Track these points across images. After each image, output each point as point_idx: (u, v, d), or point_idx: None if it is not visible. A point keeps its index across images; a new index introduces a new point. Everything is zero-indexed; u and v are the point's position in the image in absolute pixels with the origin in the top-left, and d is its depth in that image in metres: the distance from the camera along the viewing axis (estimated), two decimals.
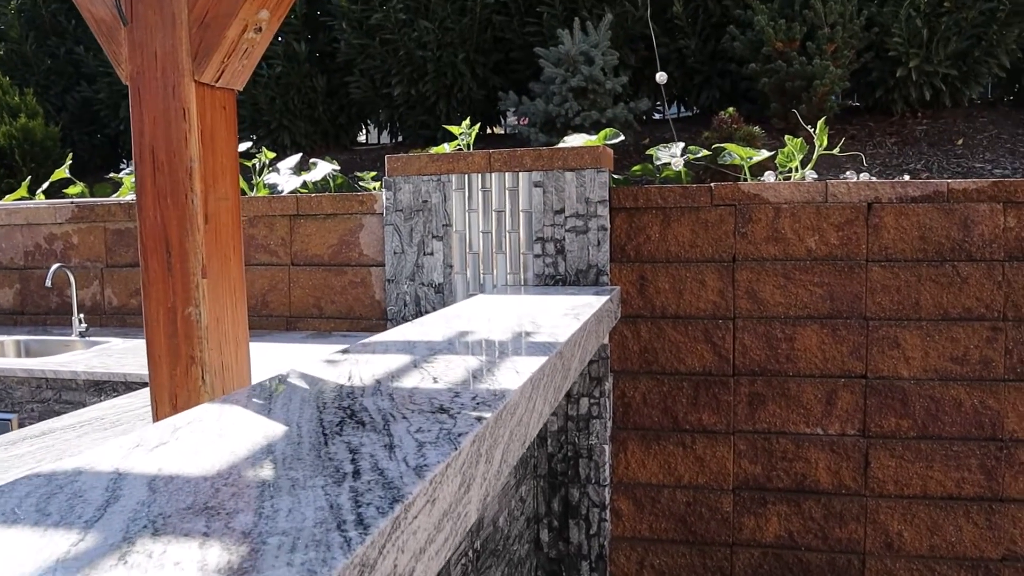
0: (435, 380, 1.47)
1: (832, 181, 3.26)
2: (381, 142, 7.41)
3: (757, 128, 4.34)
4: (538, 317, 2.32)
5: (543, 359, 1.66)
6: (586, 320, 2.26)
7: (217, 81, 1.64)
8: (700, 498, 3.44)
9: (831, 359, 3.29)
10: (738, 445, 3.39)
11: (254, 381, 1.99)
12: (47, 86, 6.86)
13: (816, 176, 3.52)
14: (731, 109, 4.47)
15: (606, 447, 3.34)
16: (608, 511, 3.40)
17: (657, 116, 6.29)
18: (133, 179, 4.50)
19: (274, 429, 1.15)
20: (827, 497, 3.33)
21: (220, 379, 1.68)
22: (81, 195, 4.86)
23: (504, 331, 2.07)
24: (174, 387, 1.65)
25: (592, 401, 3.32)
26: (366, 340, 1.96)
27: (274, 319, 3.75)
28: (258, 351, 3.12)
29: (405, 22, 5.64)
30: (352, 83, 6.02)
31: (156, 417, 1.68)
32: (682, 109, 6.49)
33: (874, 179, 3.33)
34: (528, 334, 2.01)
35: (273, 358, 2.99)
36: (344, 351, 1.81)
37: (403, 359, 1.70)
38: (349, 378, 1.51)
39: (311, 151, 6.27)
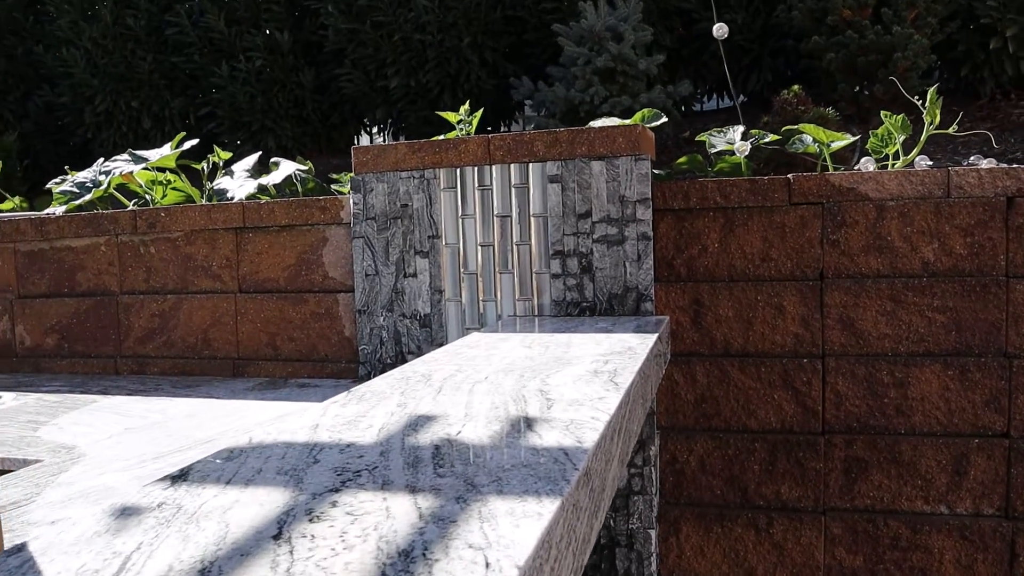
0: None
1: (956, 169, 2.38)
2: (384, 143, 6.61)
3: (831, 110, 3.46)
4: (552, 380, 1.46)
5: (551, 508, 0.81)
6: (629, 385, 1.40)
7: None
8: None
9: (959, 411, 2.40)
10: (831, 528, 2.50)
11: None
12: (4, 91, 6.11)
13: (930, 163, 2.64)
14: (796, 87, 3.60)
15: (652, 532, 2.46)
16: None
17: (696, 108, 5.43)
18: (62, 189, 3.71)
19: None
20: None
21: None
22: (13, 211, 4.09)
23: (492, 415, 1.22)
24: None
25: (633, 471, 2.45)
26: (233, 446, 1.11)
27: (218, 362, 2.91)
28: (163, 412, 2.28)
29: (399, 1, 4.82)
30: (343, 76, 5.22)
31: None
32: (723, 99, 5.62)
33: (1007, 166, 2.45)
34: (530, 424, 1.15)
35: (161, 435, 2.16)
36: (174, 478, 0.97)
37: (270, 505, 0.85)
38: None
39: (301, 156, 5.47)
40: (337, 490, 0.89)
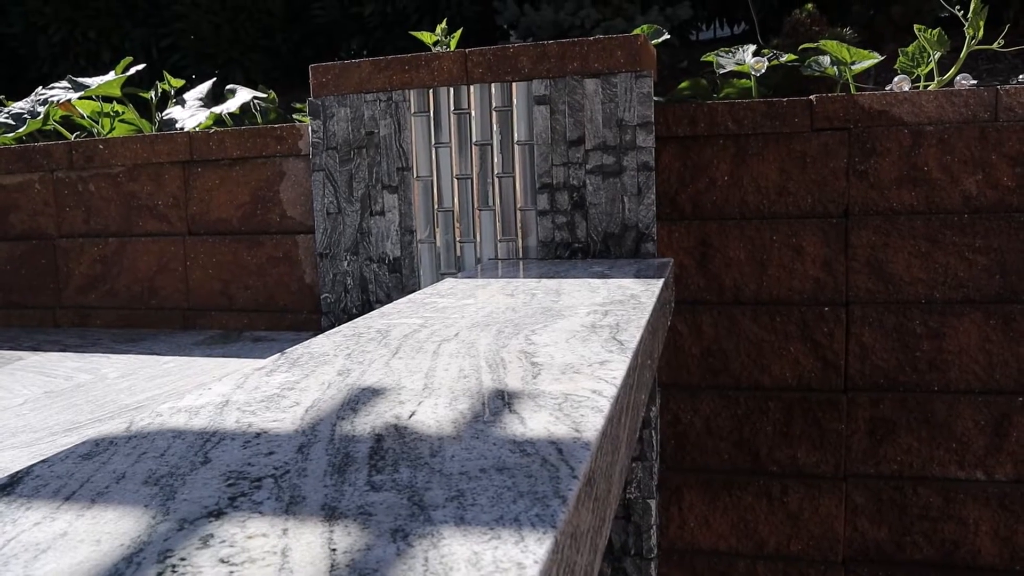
0: None
1: (1006, 88, 2.06)
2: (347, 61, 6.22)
3: (848, 30, 3.13)
4: (540, 338, 1.16)
5: (538, 554, 0.51)
6: (637, 344, 1.11)
7: None
8: (794, 574, 2.30)
9: (1001, 365, 2.13)
10: (853, 496, 2.24)
11: None
12: None
13: (974, 82, 2.32)
14: (809, 5, 3.26)
15: (652, 502, 2.20)
16: None
17: (691, 37, 5.06)
18: None
19: None
20: None
21: None
22: None
23: (459, 387, 0.92)
24: None
25: None
26: (103, 435, 0.82)
27: (166, 312, 2.60)
28: (95, 371, 1.97)
29: None
30: (315, 3, 4.82)
31: None
32: (722, 28, 5.25)
33: None
34: (510, 401, 0.86)
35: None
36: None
37: (110, 543, 0.55)
38: None
39: (275, 92, 5.09)
40: (220, 513, 0.59)
